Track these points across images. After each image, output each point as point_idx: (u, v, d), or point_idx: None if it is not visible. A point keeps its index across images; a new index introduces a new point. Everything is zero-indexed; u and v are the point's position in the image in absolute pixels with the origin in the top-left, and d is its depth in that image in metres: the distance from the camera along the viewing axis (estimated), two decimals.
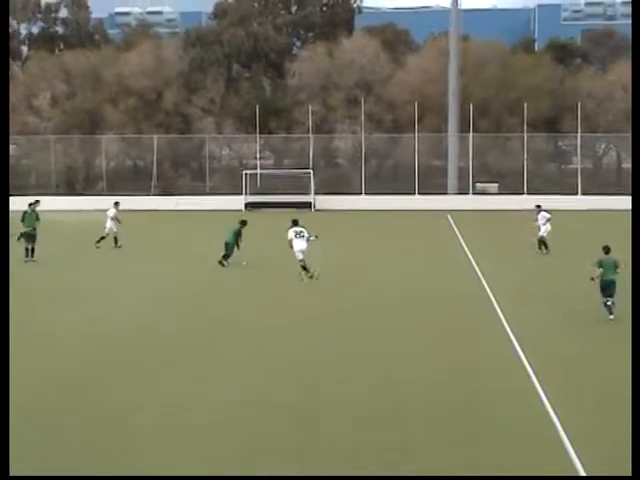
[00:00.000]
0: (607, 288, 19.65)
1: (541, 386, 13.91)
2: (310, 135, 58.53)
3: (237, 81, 65.29)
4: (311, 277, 25.06)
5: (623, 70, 56.39)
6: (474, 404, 13.18)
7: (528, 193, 54.12)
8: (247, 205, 54.75)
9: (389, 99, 59.97)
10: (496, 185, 57.46)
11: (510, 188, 55.73)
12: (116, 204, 34.55)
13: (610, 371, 15.00)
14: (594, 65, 67.78)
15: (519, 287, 24.04)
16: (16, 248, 28.02)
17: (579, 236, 36.53)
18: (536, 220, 31.86)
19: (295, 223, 25.78)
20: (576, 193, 55.12)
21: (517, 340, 17.11)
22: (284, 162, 62.47)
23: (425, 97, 58.57)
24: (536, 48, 76.76)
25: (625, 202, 52.41)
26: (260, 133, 59.01)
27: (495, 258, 30.23)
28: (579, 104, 56.15)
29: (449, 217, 46.69)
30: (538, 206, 32.62)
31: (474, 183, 56.77)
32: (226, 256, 27.94)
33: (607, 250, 20.15)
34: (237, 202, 54.44)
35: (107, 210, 34.62)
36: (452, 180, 57.72)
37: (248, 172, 56.56)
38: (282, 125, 61.54)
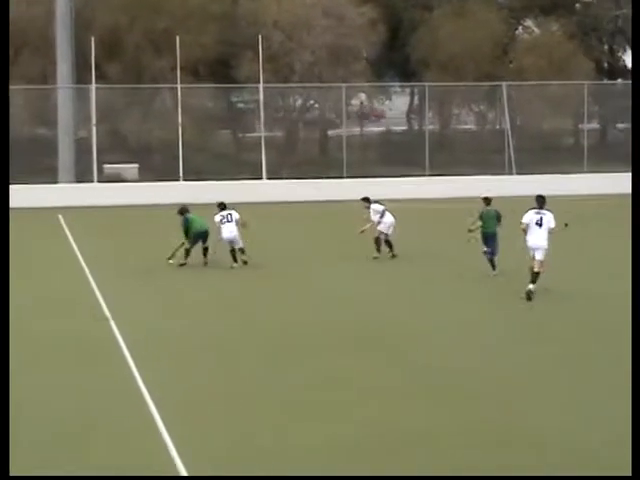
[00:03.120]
0: (487, 239, 27.68)
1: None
2: None
3: None
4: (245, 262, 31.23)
5: None
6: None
7: (186, 178, 54.91)
8: None
9: None
10: (136, 167, 58.19)
11: (159, 172, 56.55)
12: None
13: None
14: None
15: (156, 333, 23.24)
16: None
17: (273, 247, 36.17)
18: (368, 219, 33.21)
19: (222, 207, 31.56)
20: (260, 177, 55.97)
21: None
22: None
23: (20, 27, 55.97)
24: None
25: (338, 189, 51.63)
26: None
27: (134, 285, 30.04)
28: (261, 38, 56.20)
29: (61, 218, 46.63)
30: (366, 199, 33.66)
31: (101, 164, 56.61)
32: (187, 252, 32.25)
33: (488, 202, 27.97)
34: None
35: None
36: (65, 160, 57.37)
37: None
38: None
